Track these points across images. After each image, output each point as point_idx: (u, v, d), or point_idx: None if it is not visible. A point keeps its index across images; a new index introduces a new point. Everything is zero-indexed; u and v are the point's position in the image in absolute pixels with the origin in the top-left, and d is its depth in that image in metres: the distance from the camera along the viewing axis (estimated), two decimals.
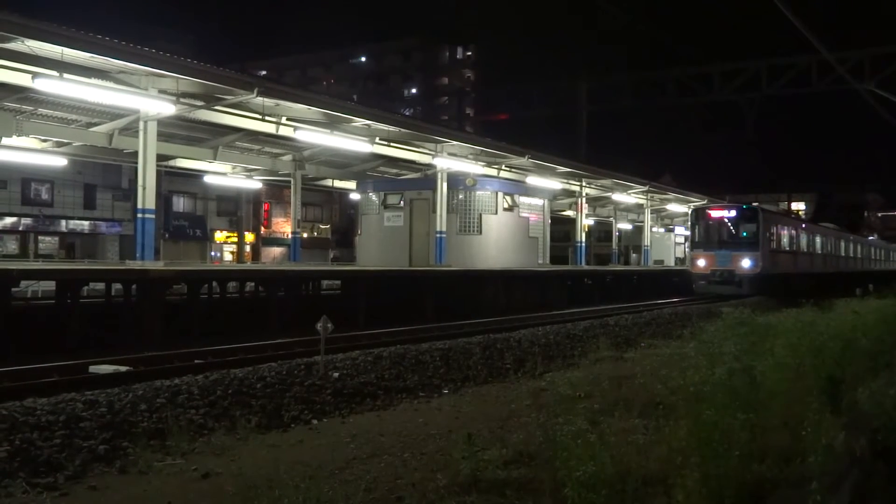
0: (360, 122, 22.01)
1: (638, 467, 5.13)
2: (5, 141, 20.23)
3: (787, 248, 32.26)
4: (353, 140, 22.71)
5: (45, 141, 22.13)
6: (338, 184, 33.17)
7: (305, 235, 43.40)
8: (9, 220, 37.09)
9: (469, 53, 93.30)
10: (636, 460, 5.31)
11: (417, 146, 25.92)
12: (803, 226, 36.85)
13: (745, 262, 27.84)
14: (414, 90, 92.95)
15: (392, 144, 25.16)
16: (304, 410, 8.27)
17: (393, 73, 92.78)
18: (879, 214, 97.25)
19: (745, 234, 28.82)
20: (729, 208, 30.35)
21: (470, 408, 8.79)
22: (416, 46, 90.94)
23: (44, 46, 14.15)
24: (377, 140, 23.72)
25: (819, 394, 6.67)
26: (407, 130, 23.89)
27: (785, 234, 31.98)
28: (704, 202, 39.28)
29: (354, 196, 33.20)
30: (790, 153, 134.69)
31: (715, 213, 29.85)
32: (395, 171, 30.89)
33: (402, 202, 28.50)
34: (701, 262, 28.93)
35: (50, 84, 15.28)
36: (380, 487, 5.54)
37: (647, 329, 16.43)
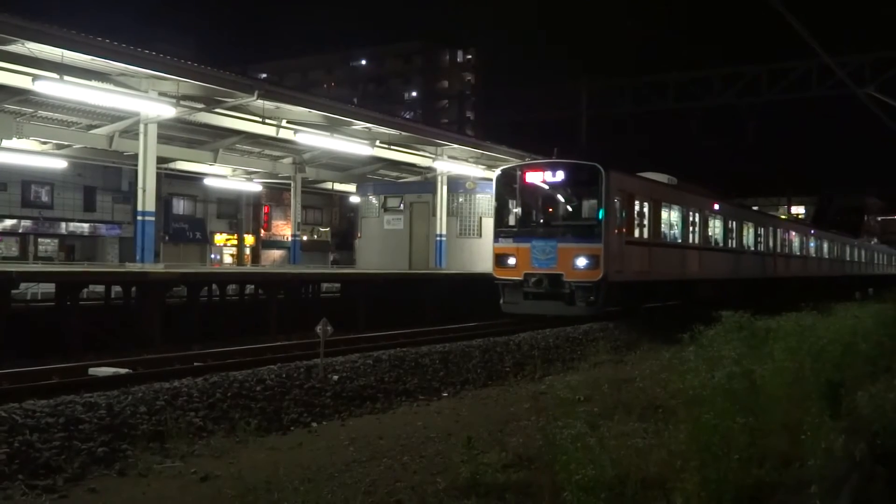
0: (360, 125, 22.04)
1: (637, 471, 5.12)
2: (5, 143, 20.24)
3: (667, 239, 20.28)
4: (353, 143, 22.74)
5: (45, 143, 22.16)
6: (338, 186, 33.23)
7: (305, 238, 43.39)
8: (9, 223, 37.10)
9: (469, 57, 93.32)
10: (635, 464, 5.31)
11: (418, 149, 25.94)
12: (716, 207, 24.17)
13: (580, 261, 16.50)
14: (414, 93, 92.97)
15: (392, 147, 25.19)
16: (304, 413, 8.28)
17: (393, 77, 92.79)
18: (879, 218, 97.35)
19: (579, 211, 17.58)
20: (553, 167, 17.51)
21: (469, 411, 8.79)
22: (417, 50, 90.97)
23: (44, 49, 14.19)
24: (377, 143, 23.76)
25: (818, 398, 6.67)
26: (407, 134, 23.92)
27: (668, 216, 20.45)
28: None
29: (354, 199, 33.23)
30: (790, 157, 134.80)
31: (531, 176, 17.58)
32: (395, 174, 30.91)
33: (402, 205, 28.52)
34: (510, 261, 17.31)
35: (50, 86, 15.32)
36: (379, 490, 5.54)
37: (647, 332, 16.42)
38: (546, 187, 17.59)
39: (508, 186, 18.18)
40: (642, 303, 19.31)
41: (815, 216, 78.97)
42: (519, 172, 18.03)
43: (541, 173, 17.54)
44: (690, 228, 21.97)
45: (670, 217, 20.71)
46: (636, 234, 18.39)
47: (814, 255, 38.57)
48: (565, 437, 5.27)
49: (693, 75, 36.78)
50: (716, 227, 24.22)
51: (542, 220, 17.79)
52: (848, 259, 47.64)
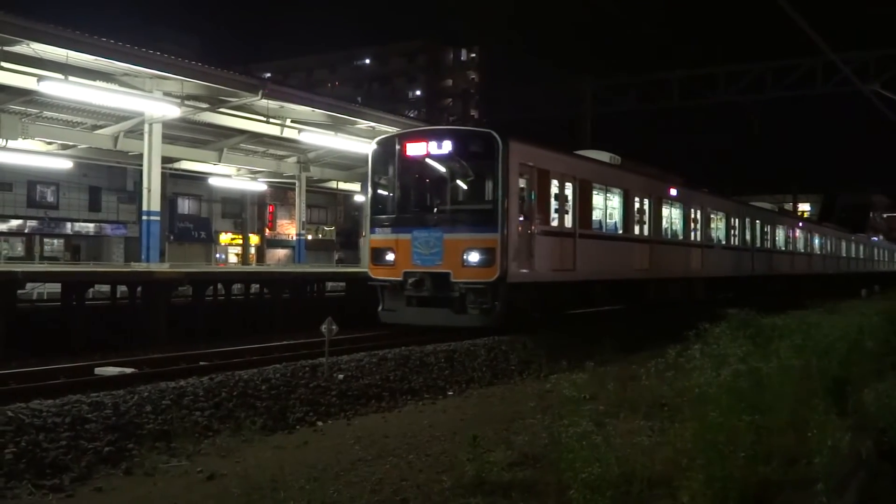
0: (364, 123, 22.06)
1: (643, 469, 5.12)
2: (11, 143, 20.31)
3: (601, 229, 16.89)
4: (357, 142, 22.75)
5: (50, 143, 22.23)
6: (342, 185, 33.26)
7: (310, 237, 43.46)
8: (14, 223, 37.21)
9: (473, 55, 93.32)
10: (641, 462, 5.30)
11: None
12: (673, 192, 20.48)
13: (470, 256, 13.29)
14: (418, 92, 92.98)
15: None
16: (309, 412, 8.29)
17: (397, 75, 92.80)
18: (885, 215, 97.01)
19: (472, 193, 13.97)
20: (438, 136, 14.12)
21: (475, 409, 8.80)
22: (421, 48, 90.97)
23: (48, 49, 14.24)
24: None
25: (825, 395, 6.66)
26: None
27: (602, 201, 17.01)
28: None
29: (359, 197, 33.27)
30: (795, 155, 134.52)
31: (412, 148, 14.11)
32: None
33: None
34: (388, 257, 14.14)
35: (55, 87, 15.36)
36: (385, 489, 5.54)
37: (652, 330, 16.38)
38: (431, 162, 14.00)
39: (386, 162, 14.56)
40: (566, 308, 16.04)
41: (821, 213, 78.78)
42: (398, 144, 14.34)
43: (423, 144, 13.97)
44: (637, 217, 18.40)
45: (606, 202, 17.19)
46: (554, 222, 15.00)
47: (803, 251, 35.36)
48: (571, 435, 5.27)
49: (697, 73, 36.69)
50: (673, 217, 20.80)
51: (425, 205, 14.20)
52: (844, 255, 44.45)
